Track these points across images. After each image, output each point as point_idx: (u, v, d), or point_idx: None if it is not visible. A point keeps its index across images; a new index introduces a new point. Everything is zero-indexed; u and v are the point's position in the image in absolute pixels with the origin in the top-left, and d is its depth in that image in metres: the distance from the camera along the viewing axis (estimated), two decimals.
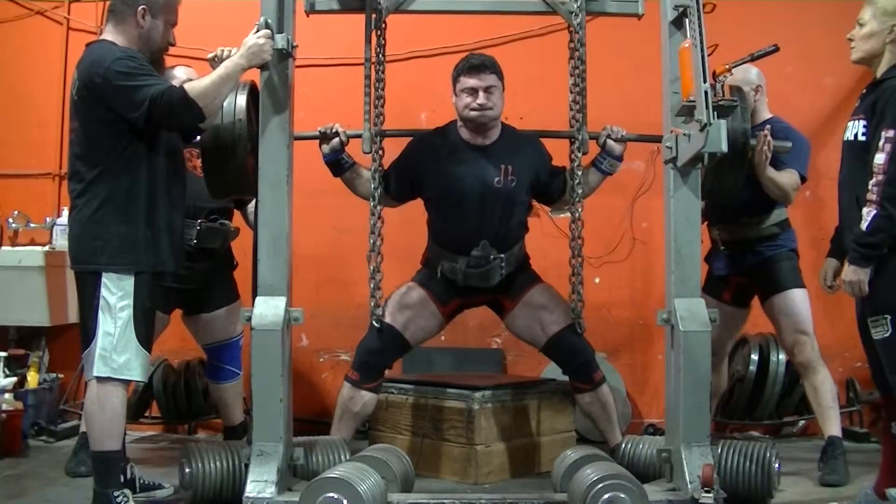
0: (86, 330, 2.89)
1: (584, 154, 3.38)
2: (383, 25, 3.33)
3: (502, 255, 3.42)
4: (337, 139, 3.37)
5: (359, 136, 3.38)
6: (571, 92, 3.41)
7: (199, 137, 3.09)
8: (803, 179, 3.65)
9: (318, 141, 3.39)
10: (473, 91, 3.39)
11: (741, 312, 3.91)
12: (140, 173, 2.87)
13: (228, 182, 3.13)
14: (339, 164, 3.42)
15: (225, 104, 2.96)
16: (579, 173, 3.37)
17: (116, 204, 2.85)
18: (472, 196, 3.41)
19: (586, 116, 3.35)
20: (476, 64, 3.42)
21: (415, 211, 3.63)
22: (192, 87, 2.78)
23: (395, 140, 3.52)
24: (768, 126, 3.57)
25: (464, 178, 3.42)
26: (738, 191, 3.29)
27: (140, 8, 2.91)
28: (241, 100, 3.02)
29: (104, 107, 2.82)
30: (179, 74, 3.61)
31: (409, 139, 3.60)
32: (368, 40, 3.30)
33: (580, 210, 3.37)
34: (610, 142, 3.43)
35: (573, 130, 3.39)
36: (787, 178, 3.57)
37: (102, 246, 2.84)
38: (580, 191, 3.37)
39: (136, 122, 2.80)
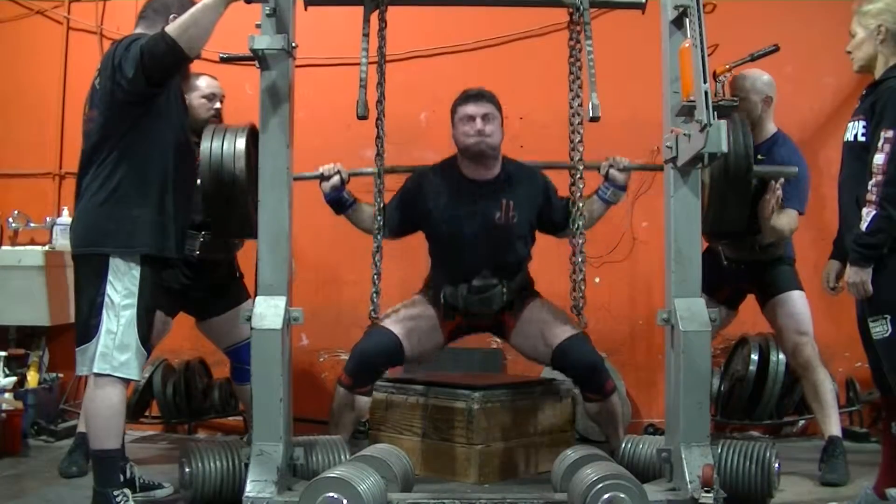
0: (83, 322, 2.88)
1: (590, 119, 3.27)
2: (384, 9, 3.31)
3: (504, 282, 3.42)
4: (337, 177, 3.37)
5: (358, 175, 3.39)
6: (571, 89, 3.41)
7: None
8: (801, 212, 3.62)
9: (318, 175, 3.39)
10: (471, 118, 3.39)
11: (729, 314, 3.90)
12: (153, 160, 2.89)
13: (231, 226, 3.20)
14: (340, 202, 3.43)
15: (224, 147, 3.01)
16: (580, 204, 3.35)
17: (130, 187, 2.87)
18: (473, 234, 3.42)
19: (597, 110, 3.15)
20: (473, 93, 3.45)
21: None
22: (170, 27, 2.79)
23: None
24: (780, 181, 3.45)
25: (464, 216, 3.43)
26: (744, 221, 3.29)
27: (171, 15, 2.96)
28: (241, 143, 3.03)
29: (119, 88, 2.83)
30: (202, 85, 3.63)
31: (410, 174, 3.59)
32: (367, 19, 3.27)
33: (583, 240, 3.33)
34: (613, 171, 3.42)
35: (574, 162, 3.35)
36: (785, 221, 3.54)
37: (116, 229, 2.84)
38: (580, 223, 3.34)
39: (139, 85, 2.80)
